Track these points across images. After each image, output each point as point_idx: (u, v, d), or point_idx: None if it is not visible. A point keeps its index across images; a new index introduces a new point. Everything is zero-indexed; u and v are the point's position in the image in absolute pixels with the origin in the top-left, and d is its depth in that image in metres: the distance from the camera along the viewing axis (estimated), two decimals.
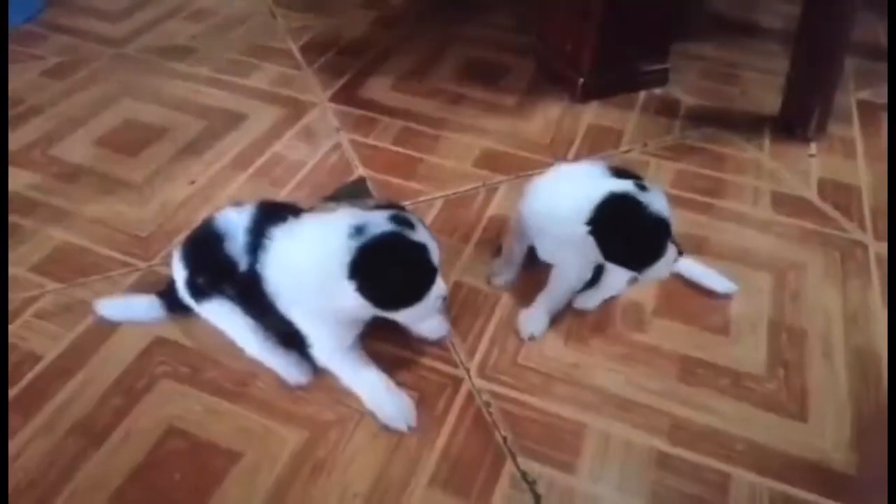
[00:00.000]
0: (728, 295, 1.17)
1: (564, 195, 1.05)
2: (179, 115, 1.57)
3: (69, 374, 1.01)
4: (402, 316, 0.96)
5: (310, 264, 0.92)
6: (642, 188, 0.99)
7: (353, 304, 0.91)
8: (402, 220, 0.93)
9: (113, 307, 1.09)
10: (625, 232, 0.98)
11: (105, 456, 0.91)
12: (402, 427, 0.96)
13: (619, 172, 1.12)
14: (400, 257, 0.91)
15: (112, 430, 0.94)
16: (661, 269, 1.01)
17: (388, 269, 0.90)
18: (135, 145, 1.47)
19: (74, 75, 1.71)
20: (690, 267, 1.19)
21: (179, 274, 1.05)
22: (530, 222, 1.11)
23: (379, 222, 0.91)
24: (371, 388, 0.99)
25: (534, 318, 1.10)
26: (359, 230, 0.90)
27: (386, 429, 0.96)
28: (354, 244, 0.89)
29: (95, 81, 1.69)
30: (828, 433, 0.98)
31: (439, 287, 0.95)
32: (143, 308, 1.09)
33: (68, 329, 1.07)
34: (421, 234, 0.93)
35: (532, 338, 1.09)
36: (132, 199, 1.33)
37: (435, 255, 0.94)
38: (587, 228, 0.98)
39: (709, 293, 1.17)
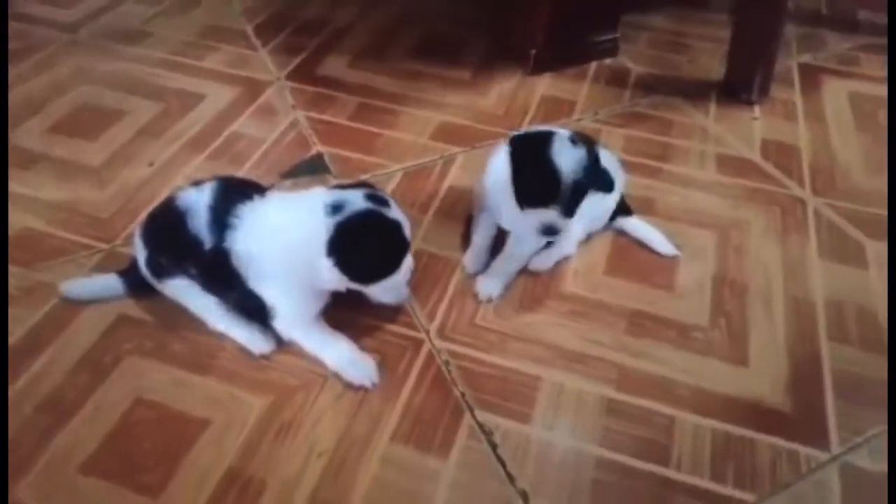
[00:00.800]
0: (671, 257, 1.23)
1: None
2: (136, 98, 1.57)
3: (35, 354, 1.02)
4: (375, 289, 1.01)
5: (287, 242, 0.96)
6: (573, 140, 1.04)
7: (329, 278, 0.96)
8: (377, 198, 0.98)
9: (76, 287, 1.10)
10: (523, 168, 1.04)
11: (75, 428, 0.93)
12: (367, 384, 1.00)
13: (574, 136, 1.17)
14: (377, 234, 0.96)
15: (81, 405, 0.96)
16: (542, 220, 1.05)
17: (365, 246, 0.95)
18: (92, 130, 1.47)
19: (27, 61, 1.70)
20: (638, 226, 1.25)
21: (140, 253, 1.07)
22: (490, 195, 1.17)
23: (356, 200, 0.96)
24: (334, 352, 1.03)
25: (491, 282, 1.14)
26: (336, 208, 0.95)
27: (350, 387, 1.00)
28: (332, 222, 0.94)
29: (49, 67, 1.68)
30: (766, 377, 1.05)
31: (409, 261, 1.01)
32: (105, 287, 1.10)
33: (33, 311, 1.08)
34: (395, 212, 0.98)
35: (490, 300, 1.13)
36: (91, 182, 1.34)
37: (408, 231, 0.99)
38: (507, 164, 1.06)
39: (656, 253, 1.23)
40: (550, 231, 1.04)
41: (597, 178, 1.14)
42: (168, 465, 0.90)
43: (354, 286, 1.00)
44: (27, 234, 1.22)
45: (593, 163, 1.05)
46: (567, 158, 1.01)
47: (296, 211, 0.99)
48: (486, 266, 1.17)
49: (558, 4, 1.63)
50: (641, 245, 1.24)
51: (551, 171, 1.00)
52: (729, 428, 0.97)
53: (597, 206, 1.18)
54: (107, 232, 1.23)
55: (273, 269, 0.98)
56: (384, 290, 1.02)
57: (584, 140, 1.21)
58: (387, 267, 0.99)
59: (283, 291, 1.00)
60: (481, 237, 1.20)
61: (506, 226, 1.18)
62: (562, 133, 1.05)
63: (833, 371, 1.05)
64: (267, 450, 0.92)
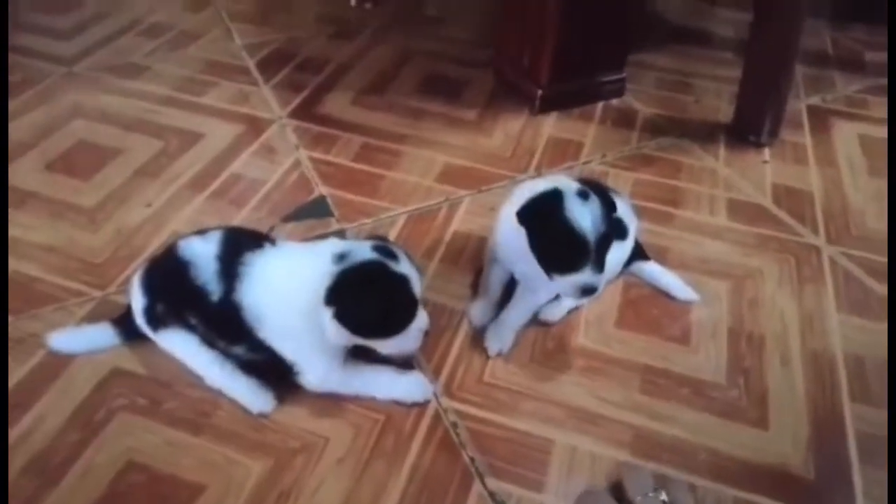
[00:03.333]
0: (688, 303, 1.19)
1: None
2: (133, 135, 1.54)
3: (22, 410, 0.97)
4: (382, 346, 0.97)
5: (294, 290, 0.93)
6: (583, 195, 0.99)
7: (333, 330, 0.91)
8: (384, 249, 0.95)
9: (66, 339, 1.05)
10: (543, 228, 1.00)
11: (62, 494, 0.88)
12: (430, 396, 1.01)
13: (584, 184, 1.14)
14: (378, 286, 0.92)
15: (69, 467, 0.91)
16: (569, 285, 1.00)
17: (364, 297, 0.91)
18: (87, 168, 1.43)
19: (22, 96, 1.66)
20: (655, 272, 1.21)
21: (137, 302, 1.03)
22: (502, 248, 1.13)
23: (361, 250, 0.93)
24: (381, 383, 1.01)
25: (500, 335, 1.10)
26: (341, 257, 0.92)
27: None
28: (335, 270, 0.91)
29: (45, 102, 1.65)
30: (787, 439, 1.00)
31: (421, 319, 0.97)
32: (97, 337, 1.06)
33: (20, 363, 1.03)
34: (403, 266, 0.94)
35: (500, 354, 1.09)
36: (85, 224, 1.30)
37: (416, 286, 0.95)
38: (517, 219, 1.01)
39: (670, 301, 1.19)
40: (588, 291, 0.99)
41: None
42: None
43: (359, 341, 0.96)
44: (16, 278, 1.18)
45: (608, 208, 1.02)
46: (585, 215, 0.97)
47: (305, 259, 0.96)
48: (492, 316, 1.13)
49: (563, 43, 1.61)
50: (657, 291, 1.21)
51: (574, 234, 0.96)
52: (750, 497, 0.93)
53: (612, 254, 1.14)
54: (100, 278, 1.19)
55: (288, 320, 0.94)
56: (394, 350, 0.98)
57: (595, 186, 1.18)
58: (390, 322, 0.94)
59: (303, 344, 0.96)
60: (491, 289, 1.15)
61: (519, 277, 1.14)
62: (567, 188, 1.00)
63: (857, 433, 1.01)
64: None
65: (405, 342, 0.96)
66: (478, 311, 1.14)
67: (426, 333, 0.98)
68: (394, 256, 0.94)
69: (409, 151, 1.53)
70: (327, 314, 0.90)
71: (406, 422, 0.99)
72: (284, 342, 0.96)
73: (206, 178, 1.42)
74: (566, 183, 1.02)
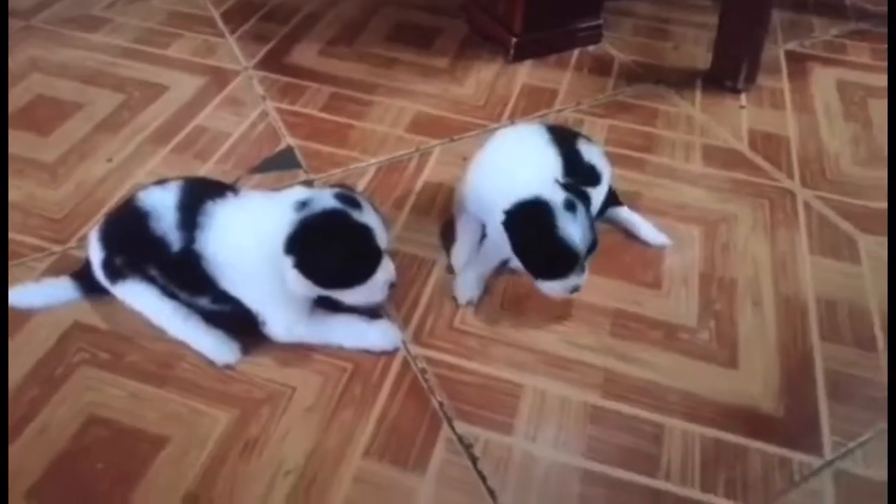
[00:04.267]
0: (661, 247, 1.18)
1: (494, 177, 1.07)
2: (94, 89, 1.48)
3: None
4: (345, 297, 0.95)
5: (256, 240, 0.91)
6: (570, 206, 0.97)
7: (292, 280, 0.89)
8: (347, 198, 0.92)
9: (24, 294, 1.03)
10: (532, 239, 0.98)
11: (20, 451, 0.86)
12: (399, 344, 1.00)
13: (557, 132, 1.11)
14: (339, 234, 0.89)
15: (27, 423, 0.89)
16: (555, 288, 1.00)
17: (324, 246, 0.89)
18: (46, 123, 1.39)
19: None
20: (627, 217, 1.20)
21: (96, 255, 1.00)
22: (471, 202, 1.12)
23: (323, 199, 0.91)
24: (348, 332, 0.99)
25: (469, 284, 1.08)
26: (303, 205, 0.90)
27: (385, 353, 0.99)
28: (295, 218, 0.89)
29: None
30: (757, 379, 1.00)
31: (386, 271, 0.95)
32: (57, 292, 1.03)
33: None
34: (366, 215, 0.92)
35: (470, 303, 1.08)
36: (45, 179, 1.26)
37: (380, 236, 0.93)
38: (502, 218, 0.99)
39: (643, 247, 1.18)
40: (575, 290, 1.00)
41: (583, 176, 1.10)
42: (122, 489, 0.83)
43: (322, 292, 0.94)
44: None
45: (589, 213, 1.00)
46: (575, 230, 0.96)
47: (267, 208, 0.93)
48: (479, 292, 1.09)
49: None
50: (630, 237, 1.19)
51: (566, 250, 0.96)
52: (719, 435, 0.93)
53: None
54: (60, 233, 1.15)
55: (250, 270, 0.92)
56: (359, 301, 0.96)
57: (565, 133, 1.16)
58: (351, 272, 0.92)
59: (267, 295, 0.94)
60: (468, 233, 1.13)
61: (488, 230, 1.12)
62: (556, 201, 0.97)
63: (826, 372, 1.01)
64: (230, 470, 0.86)
65: (370, 293, 0.95)
66: (458, 255, 1.12)
67: (392, 285, 0.97)
68: (357, 205, 0.92)
69: (379, 101, 1.50)
70: (287, 263, 0.88)
71: (374, 370, 0.98)
72: (247, 292, 0.95)
73: (170, 132, 1.38)
74: (552, 187, 0.99)
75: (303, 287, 0.92)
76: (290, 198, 0.92)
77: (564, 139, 1.12)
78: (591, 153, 1.15)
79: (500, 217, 0.98)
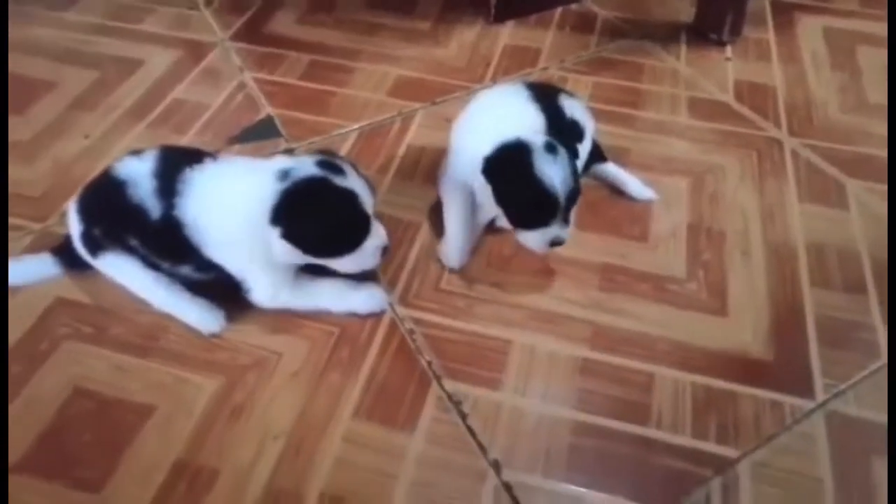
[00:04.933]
0: (647, 202, 1.17)
1: (488, 121, 1.05)
2: (68, 67, 1.45)
3: None
4: (338, 265, 0.94)
5: (240, 208, 0.89)
6: (551, 148, 0.94)
7: (283, 250, 0.88)
8: (328, 164, 0.91)
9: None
10: (510, 183, 0.95)
11: (8, 423, 0.86)
12: (385, 307, 0.99)
13: (538, 89, 1.09)
14: (323, 202, 0.88)
15: (14, 397, 0.89)
16: (535, 239, 0.97)
17: (310, 215, 0.87)
18: (20, 102, 1.36)
19: None
20: (613, 172, 1.18)
21: (75, 227, 0.98)
22: (459, 167, 1.07)
23: (304, 167, 0.89)
24: (334, 296, 0.98)
25: (455, 249, 1.06)
26: (285, 174, 0.89)
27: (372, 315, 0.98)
28: (279, 188, 0.87)
29: None
30: (747, 326, 1.00)
31: (378, 236, 0.94)
32: (38, 268, 1.02)
33: None
34: (350, 180, 0.90)
35: (455, 269, 1.06)
36: (21, 158, 1.24)
37: (366, 201, 0.91)
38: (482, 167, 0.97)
39: (629, 202, 1.17)
40: (556, 243, 0.96)
41: (566, 131, 1.08)
42: (109, 459, 0.83)
43: (313, 260, 0.93)
44: None
45: (573, 160, 0.97)
46: (555, 172, 0.92)
47: (249, 175, 0.92)
48: (466, 257, 1.07)
49: None
50: (617, 192, 1.18)
51: (545, 191, 0.92)
52: (710, 382, 0.92)
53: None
54: (39, 211, 1.14)
55: (232, 235, 0.91)
56: (351, 268, 0.95)
57: (547, 89, 1.14)
58: (340, 239, 0.91)
59: (250, 260, 0.93)
60: (457, 221, 1.06)
61: (476, 192, 1.08)
62: (534, 140, 0.94)
63: (816, 317, 1.01)
64: (218, 436, 0.86)
65: (362, 260, 0.94)
66: (450, 250, 1.06)
67: (385, 250, 0.96)
68: (339, 171, 0.90)
69: (360, 67, 1.47)
70: (274, 234, 0.87)
71: (361, 333, 0.97)
72: (230, 258, 0.93)
73: (147, 106, 1.35)
74: (533, 134, 0.97)
75: (292, 256, 0.90)
76: (271, 166, 0.91)
77: (545, 95, 1.10)
78: (574, 108, 1.12)
79: (481, 166, 0.96)
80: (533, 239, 0.97)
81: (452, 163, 1.10)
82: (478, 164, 0.98)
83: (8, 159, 1.24)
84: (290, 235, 0.88)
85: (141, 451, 0.84)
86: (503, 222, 1.10)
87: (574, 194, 0.95)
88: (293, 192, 0.88)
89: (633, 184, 1.18)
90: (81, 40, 1.54)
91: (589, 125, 1.14)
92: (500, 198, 0.97)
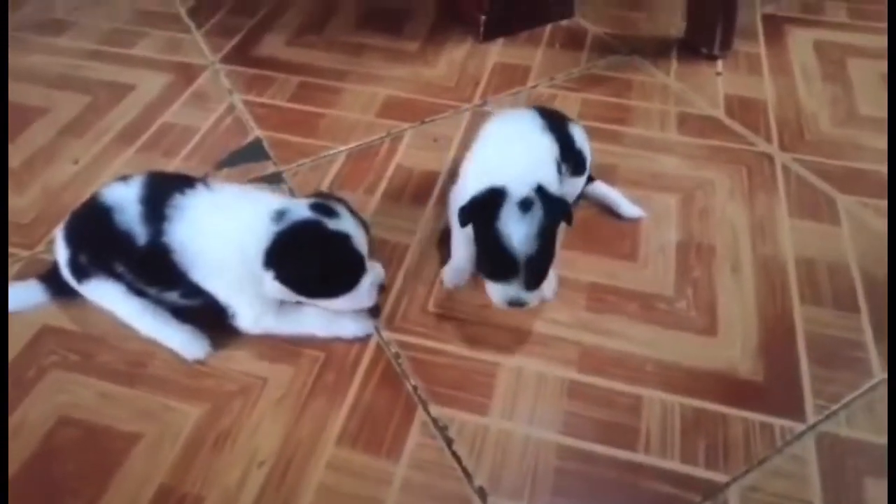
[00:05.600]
0: (636, 220, 1.16)
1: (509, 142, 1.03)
2: (59, 92, 1.46)
3: None
4: (333, 305, 0.94)
5: (234, 240, 0.90)
6: (527, 200, 0.90)
7: (275, 289, 0.89)
8: (322, 207, 0.91)
9: None
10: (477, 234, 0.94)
11: None
12: (371, 330, 0.99)
13: (549, 116, 1.09)
14: (315, 247, 0.89)
15: None
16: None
17: (302, 259, 0.88)
18: (12, 129, 1.37)
19: None
20: (602, 191, 1.18)
21: (62, 254, 0.98)
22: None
23: (298, 210, 0.90)
24: (317, 320, 0.98)
25: (458, 269, 1.06)
26: (279, 215, 0.90)
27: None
28: (273, 230, 0.88)
29: None
30: (736, 344, 0.99)
31: (374, 274, 0.95)
32: (25, 295, 1.02)
33: None
34: (344, 223, 0.91)
35: (455, 287, 1.06)
36: (11, 185, 1.24)
37: (360, 243, 0.92)
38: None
39: (618, 220, 1.16)
40: (516, 304, 0.92)
41: (573, 161, 1.08)
42: (95, 487, 0.83)
43: (309, 301, 0.93)
44: None
45: (555, 217, 0.92)
46: (519, 231, 0.88)
47: (243, 207, 0.92)
48: (466, 280, 1.06)
49: None
50: (605, 210, 1.18)
51: (501, 249, 0.89)
52: (698, 403, 0.91)
53: (568, 189, 1.10)
54: (27, 238, 1.14)
55: (220, 261, 0.91)
56: (349, 307, 0.95)
57: (560, 119, 1.11)
58: (333, 282, 0.91)
59: (236, 286, 0.93)
60: (462, 250, 1.05)
61: None
62: (513, 195, 0.90)
63: (807, 335, 1.00)
64: (203, 462, 0.85)
65: (357, 299, 0.94)
66: (451, 273, 1.06)
67: (382, 287, 0.97)
68: (332, 213, 0.91)
69: (349, 88, 1.47)
70: (268, 276, 0.88)
71: (347, 357, 0.97)
72: (217, 283, 0.93)
73: (136, 131, 1.36)
74: (523, 184, 0.92)
75: (285, 295, 0.91)
76: (266, 204, 0.91)
77: (558, 123, 1.08)
78: (580, 137, 1.12)
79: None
80: (492, 291, 0.94)
81: (462, 186, 1.09)
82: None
83: (8, 184, 1.25)
84: (283, 278, 0.88)
85: (127, 479, 0.83)
86: None
87: (540, 258, 0.90)
88: (286, 236, 0.88)
89: (622, 202, 1.17)
90: (74, 65, 1.55)
91: (588, 156, 1.14)
92: (474, 240, 0.96)
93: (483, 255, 0.94)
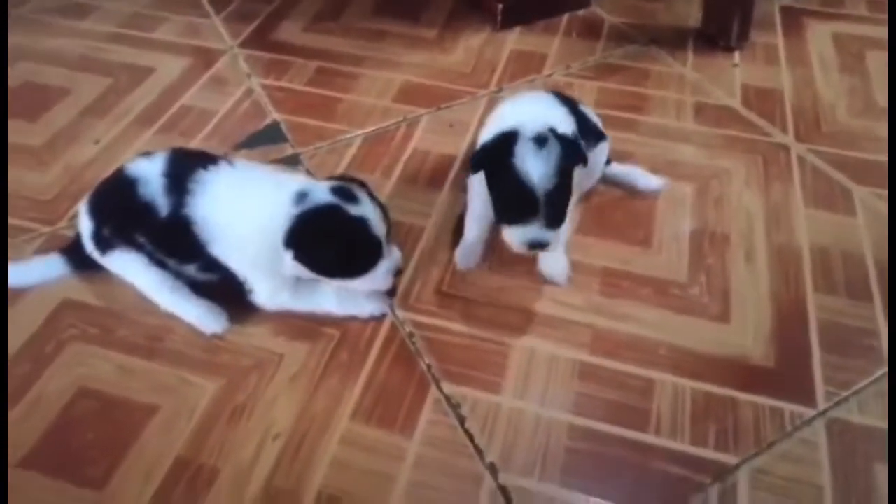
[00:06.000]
0: (656, 191, 1.18)
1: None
2: (81, 74, 1.49)
3: None
4: (350, 286, 0.95)
5: (255, 217, 0.91)
6: (541, 136, 0.90)
7: (294, 268, 0.91)
8: (343, 191, 0.92)
9: (15, 273, 1.03)
10: (492, 173, 0.94)
11: (15, 421, 0.88)
12: (387, 309, 1.01)
13: (560, 96, 1.09)
14: (334, 230, 0.90)
15: (21, 397, 0.90)
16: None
17: (321, 242, 0.89)
18: (34, 109, 1.39)
19: None
20: (619, 170, 1.19)
21: (85, 226, 1.00)
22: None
23: (320, 192, 0.91)
24: (333, 298, 0.99)
25: (471, 251, 1.07)
26: (301, 197, 0.90)
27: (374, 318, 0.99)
28: (294, 212, 0.89)
29: None
30: (749, 330, 0.99)
31: (393, 259, 0.96)
32: (47, 269, 1.04)
33: None
34: (363, 207, 0.92)
35: (468, 269, 1.07)
36: (33, 163, 1.26)
37: (379, 228, 0.92)
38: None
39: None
40: (537, 246, 0.91)
41: (591, 134, 1.08)
42: (113, 457, 0.84)
43: (327, 280, 0.95)
44: None
45: (570, 156, 0.91)
46: (536, 165, 0.87)
47: (268, 189, 0.93)
48: (480, 261, 1.07)
49: None
50: (619, 197, 1.18)
51: (521, 184, 0.87)
52: (709, 388, 0.92)
53: (595, 157, 1.10)
54: (50, 214, 1.16)
55: (241, 236, 0.92)
56: (365, 288, 0.96)
57: (569, 99, 1.12)
58: (351, 265, 0.92)
59: (255, 261, 0.94)
60: (475, 229, 1.07)
61: None
62: (524, 130, 0.90)
63: (819, 322, 1.00)
64: (219, 435, 0.87)
65: (373, 281, 0.95)
66: (463, 254, 1.07)
67: (399, 271, 0.98)
68: (353, 198, 0.92)
69: (366, 73, 1.48)
70: (287, 256, 0.89)
71: (362, 336, 0.98)
72: (236, 259, 0.94)
73: (156, 113, 1.38)
74: (530, 120, 0.92)
75: (303, 273, 0.92)
76: (289, 185, 0.92)
77: (569, 102, 1.09)
78: (592, 115, 1.13)
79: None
80: (512, 236, 0.92)
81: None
82: None
83: (8, 163, 1.27)
84: (302, 259, 0.89)
85: (144, 450, 0.85)
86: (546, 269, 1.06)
87: (559, 194, 0.89)
88: (307, 218, 0.89)
89: (640, 176, 1.19)
90: (96, 48, 1.57)
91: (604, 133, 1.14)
92: (488, 188, 0.95)
93: (500, 197, 0.92)
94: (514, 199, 0.89)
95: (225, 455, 0.85)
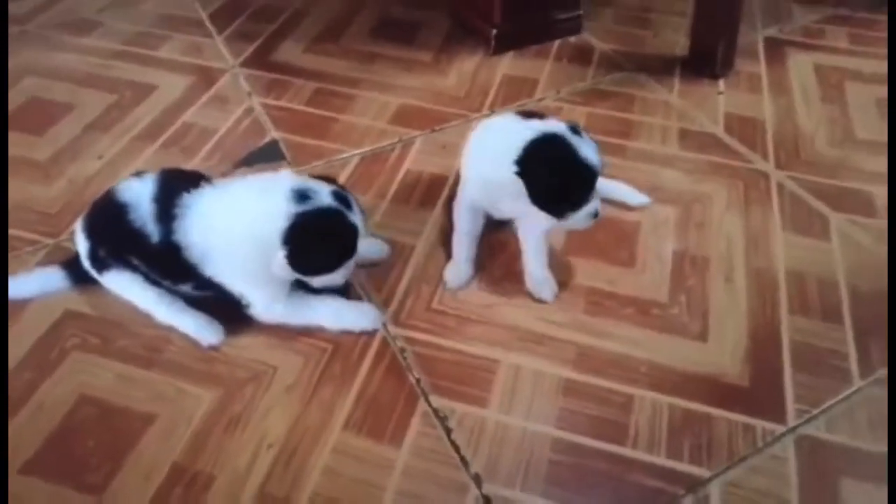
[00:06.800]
0: (641, 207, 1.24)
1: (494, 142, 1.06)
2: (86, 90, 1.53)
3: None
4: (313, 281, 0.98)
5: (244, 226, 0.93)
6: (575, 132, 1.01)
7: (279, 266, 0.93)
8: (342, 198, 0.95)
9: (17, 285, 1.07)
10: (551, 173, 0.99)
11: (17, 428, 0.91)
12: (380, 325, 1.04)
13: (529, 115, 1.13)
14: (335, 238, 0.93)
15: (23, 404, 0.94)
16: (581, 218, 1.02)
17: (320, 246, 0.93)
18: (39, 124, 1.43)
19: None
20: (605, 186, 1.21)
21: (81, 245, 1.04)
22: (479, 190, 1.11)
23: (323, 196, 0.93)
24: (329, 313, 1.03)
25: (460, 270, 1.11)
26: (301, 196, 0.92)
27: (364, 333, 1.03)
28: (294, 210, 0.91)
29: None
30: (726, 350, 1.03)
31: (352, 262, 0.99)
32: (49, 281, 1.07)
33: None
34: (355, 216, 0.95)
35: (459, 288, 1.11)
36: (38, 177, 1.30)
37: (362, 233, 0.96)
38: (514, 170, 0.99)
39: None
40: (596, 214, 1.03)
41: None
42: (112, 463, 0.88)
43: (299, 277, 0.98)
44: None
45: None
46: (587, 148, 0.99)
47: (255, 194, 0.95)
48: (469, 281, 1.12)
49: None
50: (613, 205, 1.23)
51: (588, 168, 0.99)
52: (686, 404, 0.96)
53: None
54: (53, 227, 1.20)
55: (237, 254, 0.95)
56: (325, 283, 1.00)
57: (539, 116, 1.17)
58: (330, 265, 0.96)
59: (249, 279, 0.98)
60: (463, 249, 1.12)
61: (509, 216, 1.14)
62: (561, 129, 1.00)
63: (792, 344, 1.04)
64: (215, 443, 0.90)
65: (336, 278, 0.98)
66: (453, 273, 1.11)
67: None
68: (349, 205, 0.95)
69: (363, 95, 1.53)
70: (281, 252, 0.91)
71: (354, 350, 1.02)
72: (228, 276, 0.98)
73: (158, 129, 1.42)
74: (554, 125, 1.02)
75: (284, 272, 0.95)
76: (283, 184, 0.93)
77: (538, 117, 1.13)
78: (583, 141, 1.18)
79: (512, 170, 0.99)
80: (580, 219, 1.02)
81: (464, 188, 1.14)
82: (506, 172, 1.00)
83: (8, 174, 1.30)
84: (292, 258, 0.91)
85: (142, 457, 0.88)
86: (532, 220, 1.10)
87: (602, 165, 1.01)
88: (309, 219, 0.91)
89: (626, 192, 1.24)
90: (101, 65, 1.62)
91: None
92: (542, 191, 1.00)
93: (561, 190, 1.00)
94: (582, 185, 1.00)
95: (221, 462, 0.88)
